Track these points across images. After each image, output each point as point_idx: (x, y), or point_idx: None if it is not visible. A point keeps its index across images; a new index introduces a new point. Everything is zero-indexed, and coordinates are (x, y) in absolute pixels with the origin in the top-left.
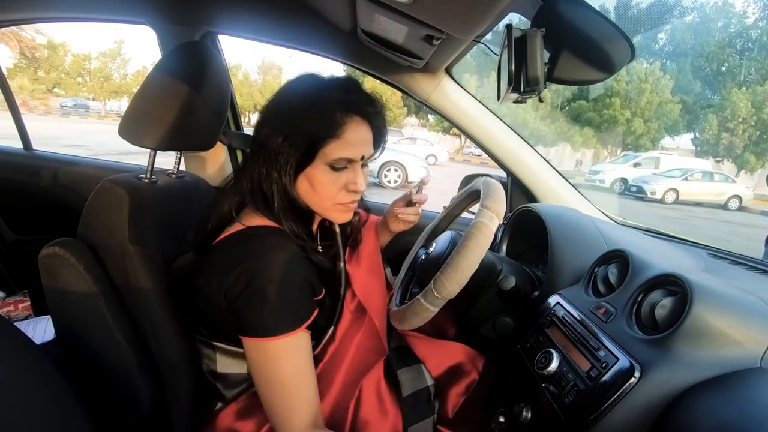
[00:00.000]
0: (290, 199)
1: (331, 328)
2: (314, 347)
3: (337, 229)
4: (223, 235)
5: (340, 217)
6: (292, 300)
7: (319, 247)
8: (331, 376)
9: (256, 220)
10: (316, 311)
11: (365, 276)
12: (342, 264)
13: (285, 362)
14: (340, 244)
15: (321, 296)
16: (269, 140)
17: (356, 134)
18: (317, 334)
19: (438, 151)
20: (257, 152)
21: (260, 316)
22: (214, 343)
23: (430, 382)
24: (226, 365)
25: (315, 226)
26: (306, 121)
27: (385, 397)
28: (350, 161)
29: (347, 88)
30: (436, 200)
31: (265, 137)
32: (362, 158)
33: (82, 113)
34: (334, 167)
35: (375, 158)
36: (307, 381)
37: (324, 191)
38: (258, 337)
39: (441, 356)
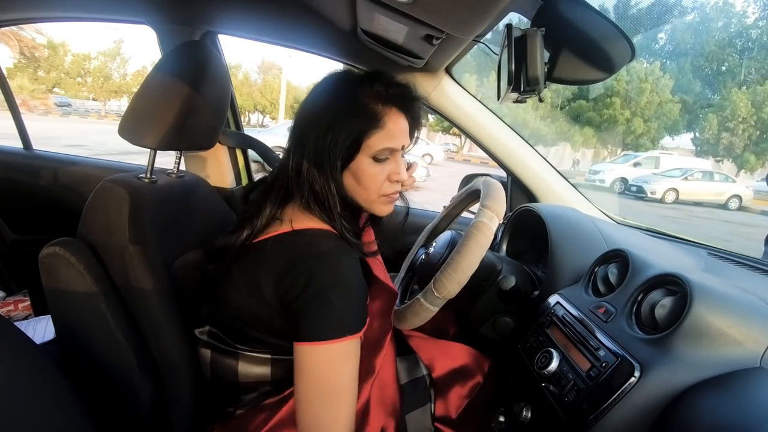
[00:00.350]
0: (342, 197)
1: None
2: None
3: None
4: (267, 236)
5: (384, 209)
6: (352, 303)
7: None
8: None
9: (305, 222)
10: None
11: (380, 265)
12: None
13: (341, 368)
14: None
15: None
16: (312, 139)
17: (396, 124)
18: None
19: (433, 150)
20: (300, 153)
21: (322, 319)
22: (238, 351)
23: (425, 371)
24: (246, 370)
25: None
26: (349, 116)
27: (385, 383)
28: (392, 151)
29: (383, 80)
30: (437, 200)
31: (306, 137)
32: (402, 148)
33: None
34: (377, 159)
35: (410, 150)
36: (354, 390)
37: (371, 184)
38: (317, 341)
39: (446, 358)
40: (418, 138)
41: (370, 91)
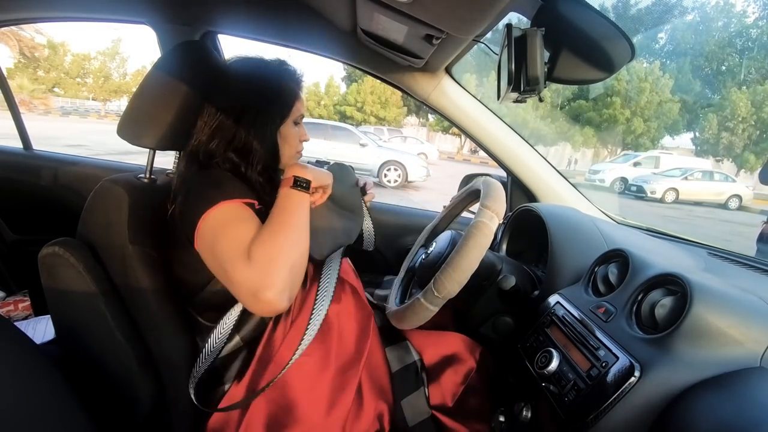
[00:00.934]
0: (273, 153)
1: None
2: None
3: None
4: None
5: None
6: (221, 183)
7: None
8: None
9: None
10: (256, 203)
11: (349, 269)
12: None
13: (229, 228)
14: None
15: (258, 207)
16: (250, 106)
17: (301, 98)
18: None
19: (428, 150)
20: (237, 116)
21: (195, 206)
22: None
23: (416, 356)
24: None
25: None
26: (286, 89)
27: (375, 368)
28: (301, 117)
29: (288, 64)
30: (436, 200)
31: (244, 104)
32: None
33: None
34: (296, 122)
35: None
36: (246, 238)
37: (293, 142)
38: (199, 220)
39: (437, 346)
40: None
41: (288, 71)
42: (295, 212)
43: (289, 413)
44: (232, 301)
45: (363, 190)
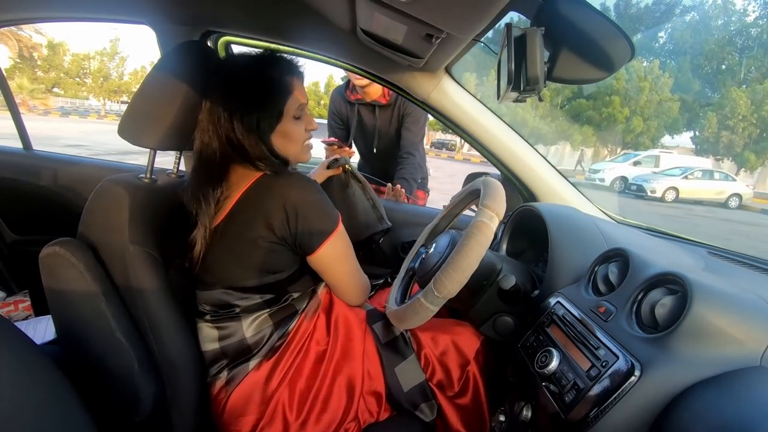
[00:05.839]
0: (270, 152)
1: None
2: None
3: None
4: (228, 208)
5: (307, 156)
6: (328, 203)
7: None
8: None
9: (250, 176)
10: None
11: None
12: None
13: (347, 242)
14: None
15: None
16: (238, 116)
17: (300, 88)
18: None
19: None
20: (227, 122)
21: (320, 223)
22: (240, 313)
23: (398, 331)
24: (223, 340)
25: None
26: (273, 89)
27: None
28: (302, 108)
29: (284, 57)
30: (437, 199)
31: (232, 108)
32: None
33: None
34: (296, 117)
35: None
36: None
37: (298, 137)
38: (327, 238)
39: (436, 330)
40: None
41: (279, 67)
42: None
43: (303, 397)
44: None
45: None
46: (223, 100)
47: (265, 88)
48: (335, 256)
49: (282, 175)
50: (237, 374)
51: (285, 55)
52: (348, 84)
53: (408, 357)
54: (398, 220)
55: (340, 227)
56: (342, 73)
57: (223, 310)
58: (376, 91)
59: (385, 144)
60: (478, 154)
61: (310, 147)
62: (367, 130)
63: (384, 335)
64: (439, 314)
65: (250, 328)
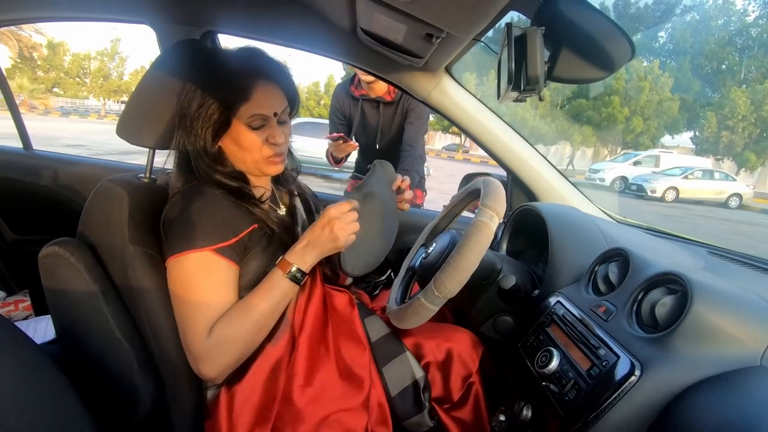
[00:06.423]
0: (212, 156)
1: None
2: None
3: (298, 204)
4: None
5: (271, 169)
6: (199, 223)
7: (272, 206)
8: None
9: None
10: (232, 240)
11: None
12: (299, 229)
13: (192, 280)
14: (297, 205)
15: (247, 231)
16: (187, 110)
17: (265, 95)
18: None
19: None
20: (179, 123)
21: (170, 241)
22: None
23: (419, 374)
24: None
25: (267, 188)
26: (218, 90)
27: (373, 391)
28: (265, 118)
29: (251, 55)
30: (437, 199)
31: (183, 108)
32: (275, 114)
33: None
34: (252, 126)
35: (293, 114)
36: (218, 304)
37: (251, 146)
38: (168, 258)
39: (439, 338)
40: (298, 105)
41: (238, 68)
42: (276, 301)
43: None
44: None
45: (399, 190)
46: (180, 101)
47: (217, 85)
48: (178, 285)
49: (203, 190)
50: (236, 375)
51: (261, 58)
52: (353, 79)
53: (400, 354)
54: (403, 225)
55: (192, 255)
56: (343, 72)
57: None
58: (381, 88)
59: (388, 141)
60: (477, 154)
61: (275, 162)
62: (371, 127)
63: (395, 383)
64: (441, 315)
65: None
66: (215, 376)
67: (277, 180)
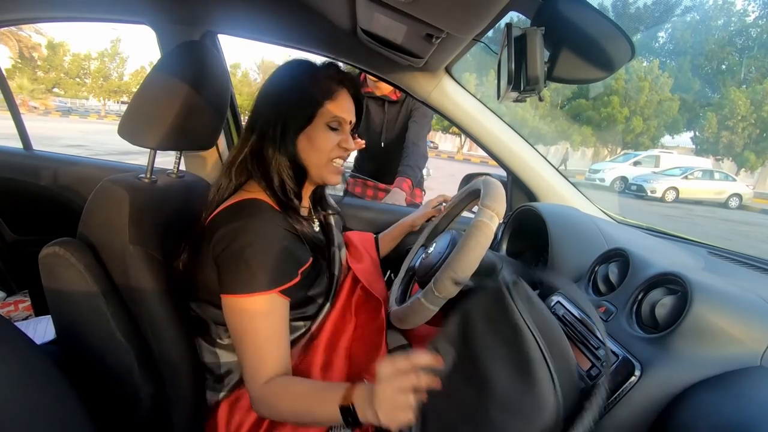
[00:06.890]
0: (292, 161)
1: (327, 304)
2: (312, 317)
3: (332, 221)
4: (222, 207)
5: (332, 178)
6: (267, 263)
7: (310, 223)
8: (331, 351)
9: (257, 193)
10: (296, 280)
11: (366, 267)
12: (335, 248)
13: (258, 321)
14: (333, 224)
15: (306, 266)
16: (272, 113)
17: (346, 102)
18: (313, 308)
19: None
20: (259, 128)
21: (236, 275)
22: (216, 338)
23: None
24: (225, 357)
25: (306, 201)
26: (308, 89)
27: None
28: (342, 122)
29: (337, 67)
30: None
31: (268, 111)
32: (350, 123)
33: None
34: (330, 126)
35: (355, 133)
36: (277, 342)
37: (325, 146)
38: (233, 294)
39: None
40: (361, 120)
41: (327, 73)
42: (324, 420)
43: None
44: None
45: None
46: (258, 109)
47: (300, 88)
48: (240, 321)
49: (260, 208)
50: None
51: (340, 67)
52: (358, 76)
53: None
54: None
55: (256, 299)
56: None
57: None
58: (387, 86)
59: (392, 139)
60: (477, 154)
61: (338, 170)
62: (375, 125)
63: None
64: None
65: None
66: (266, 416)
67: (316, 197)
